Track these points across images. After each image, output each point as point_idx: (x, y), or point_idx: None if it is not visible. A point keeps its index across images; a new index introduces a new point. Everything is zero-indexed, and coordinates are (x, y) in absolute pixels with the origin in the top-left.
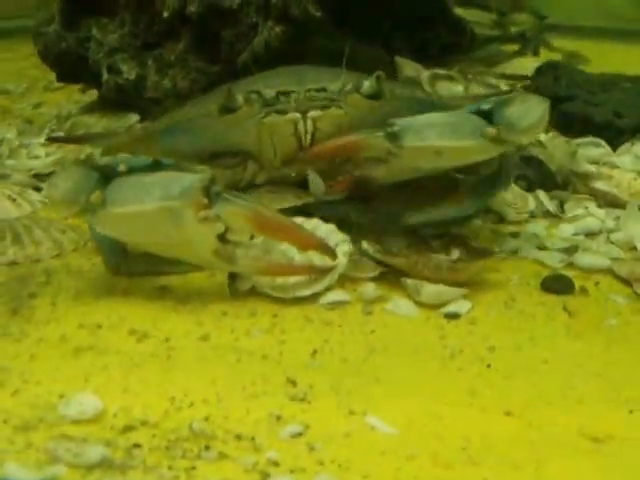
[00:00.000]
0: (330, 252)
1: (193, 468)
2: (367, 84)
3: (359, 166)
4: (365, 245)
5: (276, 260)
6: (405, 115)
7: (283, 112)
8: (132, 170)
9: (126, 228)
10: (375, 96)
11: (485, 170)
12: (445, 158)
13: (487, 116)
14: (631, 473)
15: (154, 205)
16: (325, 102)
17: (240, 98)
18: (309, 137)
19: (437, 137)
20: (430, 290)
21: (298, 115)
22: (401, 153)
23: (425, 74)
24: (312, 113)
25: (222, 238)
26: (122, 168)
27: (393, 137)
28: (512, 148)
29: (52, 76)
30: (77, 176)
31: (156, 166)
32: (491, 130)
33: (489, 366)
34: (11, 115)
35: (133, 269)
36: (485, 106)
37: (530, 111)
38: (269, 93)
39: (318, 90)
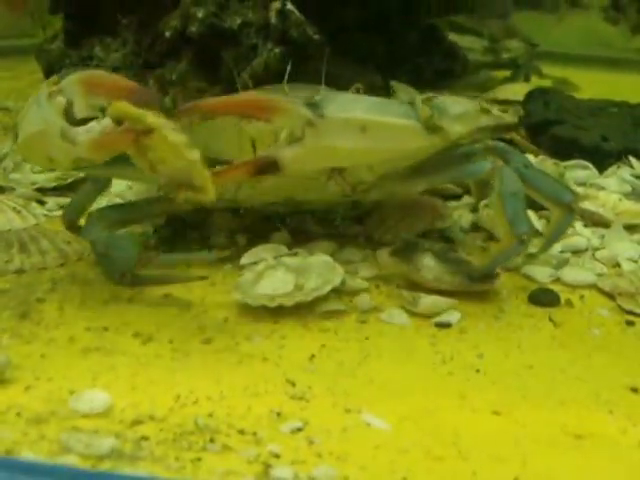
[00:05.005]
0: (153, 99)
1: (199, 459)
2: None
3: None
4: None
5: (106, 126)
6: None
7: None
8: None
9: (25, 143)
10: None
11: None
12: (370, 137)
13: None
14: (610, 467)
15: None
16: None
17: None
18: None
19: (363, 111)
20: (427, 301)
21: None
22: (320, 125)
23: (418, 98)
24: None
25: (69, 118)
26: None
27: (314, 106)
28: (446, 142)
29: None
30: None
31: None
32: (425, 109)
33: (478, 371)
34: (13, 131)
35: (136, 281)
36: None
37: (460, 102)
38: None
39: None
